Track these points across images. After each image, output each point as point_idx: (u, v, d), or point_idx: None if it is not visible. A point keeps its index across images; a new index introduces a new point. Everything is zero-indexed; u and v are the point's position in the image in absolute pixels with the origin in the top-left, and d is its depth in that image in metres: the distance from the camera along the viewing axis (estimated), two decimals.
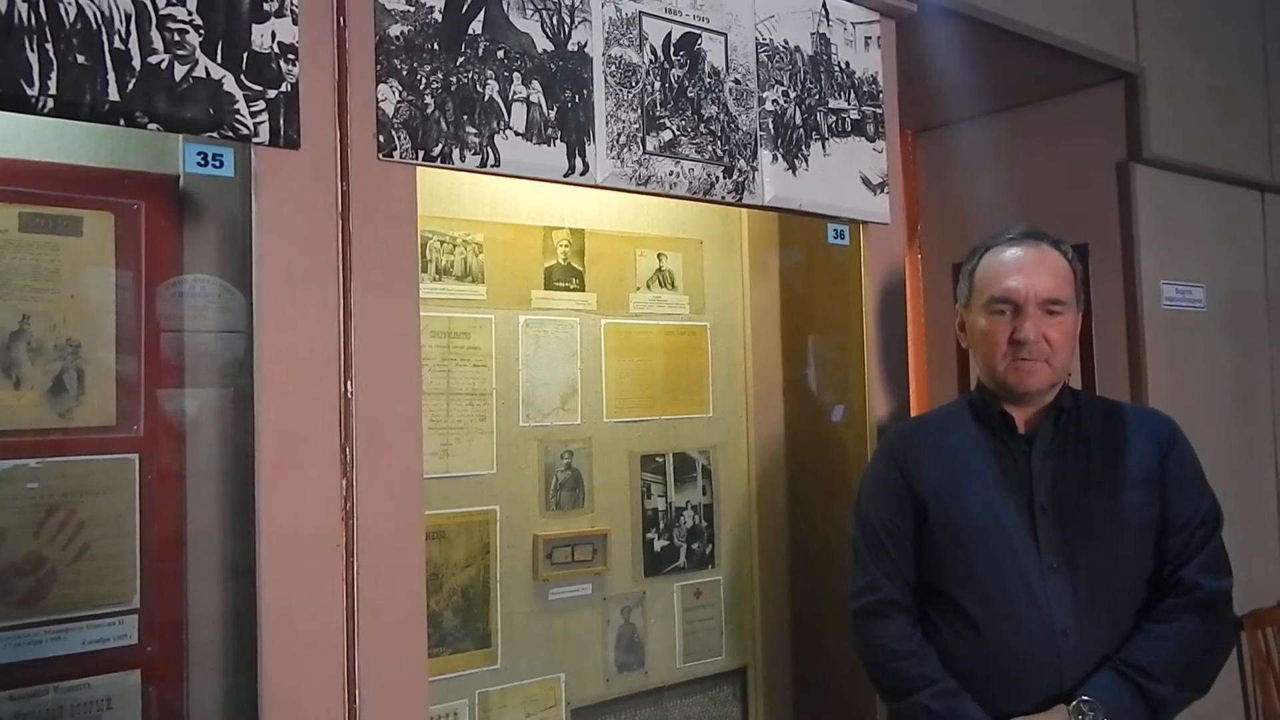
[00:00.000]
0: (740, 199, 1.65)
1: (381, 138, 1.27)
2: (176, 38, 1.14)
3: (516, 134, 1.39)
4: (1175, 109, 2.50)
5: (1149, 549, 1.46)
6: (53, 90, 1.06)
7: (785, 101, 1.73)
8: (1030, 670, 1.41)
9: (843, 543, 1.62)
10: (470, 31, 1.36)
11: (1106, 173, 2.47)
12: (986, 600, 1.44)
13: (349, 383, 1.24)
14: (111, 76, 1.09)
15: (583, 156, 1.45)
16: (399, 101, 1.29)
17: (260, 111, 1.19)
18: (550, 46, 1.44)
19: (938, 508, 1.50)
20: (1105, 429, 1.52)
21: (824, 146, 1.77)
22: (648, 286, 2.05)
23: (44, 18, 1.06)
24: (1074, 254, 1.55)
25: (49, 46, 1.06)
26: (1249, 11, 2.81)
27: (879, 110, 1.87)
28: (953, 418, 1.59)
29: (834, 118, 1.80)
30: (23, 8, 1.04)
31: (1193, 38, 2.59)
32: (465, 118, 1.34)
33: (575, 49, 1.46)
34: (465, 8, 1.36)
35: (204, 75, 1.15)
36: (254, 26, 1.19)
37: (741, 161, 1.65)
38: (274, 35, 1.20)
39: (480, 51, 1.37)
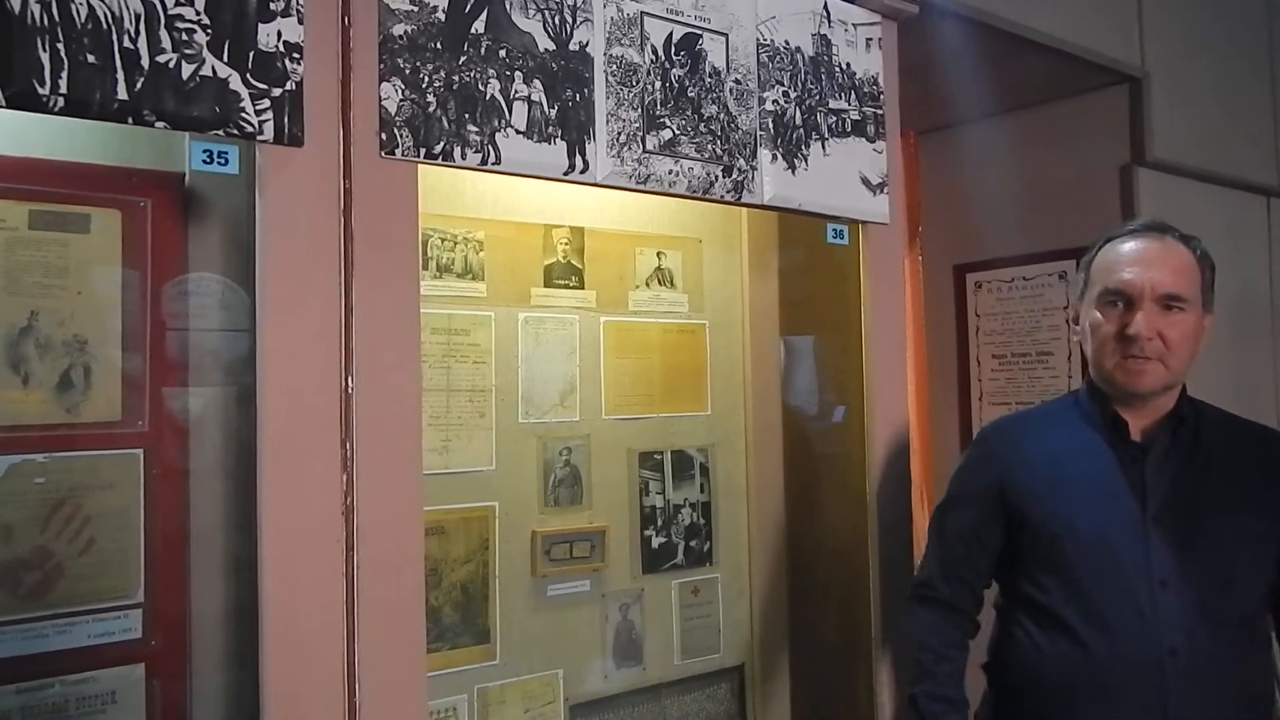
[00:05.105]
0: (739, 198, 1.66)
1: (384, 135, 1.29)
2: (184, 37, 1.15)
3: (517, 132, 1.40)
4: (1180, 113, 2.50)
5: (1264, 577, 1.40)
6: (63, 89, 1.07)
7: (785, 102, 1.73)
8: (1132, 687, 1.34)
9: (840, 541, 1.63)
10: (473, 31, 1.37)
11: (1110, 176, 2.46)
12: (1088, 612, 1.37)
13: (350, 379, 1.25)
14: (121, 75, 1.10)
15: (583, 155, 1.46)
16: (402, 100, 1.30)
17: (265, 110, 1.20)
18: (552, 46, 1.45)
19: (1037, 512, 1.43)
20: (1229, 446, 1.44)
21: (824, 146, 1.78)
22: (647, 285, 2.06)
23: (56, 18, 1.07)
24: (1205, 251, 1.45)
25: (60, 46, 1.07)
26: (1255, 15, 2.81)
27: (879, 111, 1.88)
28: (1059, 416, 1.51)
29: (834, 118, 1.80)
30: (35, 8, 1.06)
31: (1198, 41, 2.58)
32: (467, 116, 1.35)
33: (577, 48, 1.47)
34: (468, 7, 1.37)
35: (211, 74, 1.16)
36: (260, 26, 1.20)
37: (741, 161, 1.66)
38: (280, 34, 1.22)
39: (482, 51, 1.38)
